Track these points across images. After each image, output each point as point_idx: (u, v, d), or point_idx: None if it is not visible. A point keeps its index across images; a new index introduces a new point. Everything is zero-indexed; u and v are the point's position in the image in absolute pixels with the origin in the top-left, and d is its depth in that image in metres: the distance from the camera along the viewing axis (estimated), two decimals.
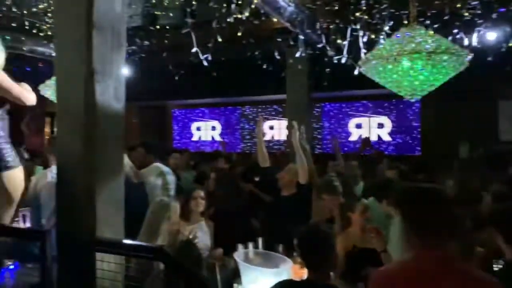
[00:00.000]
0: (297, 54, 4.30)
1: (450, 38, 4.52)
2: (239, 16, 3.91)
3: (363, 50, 4.22)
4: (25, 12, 5.52)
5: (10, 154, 2.70)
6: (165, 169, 4.15)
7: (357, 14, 4.13)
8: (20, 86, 2.66)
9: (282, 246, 3.27)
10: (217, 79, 8.82)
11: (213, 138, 12.00)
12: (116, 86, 2.43)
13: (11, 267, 2.74)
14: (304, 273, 2.79)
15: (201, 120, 12.37)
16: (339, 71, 5.56)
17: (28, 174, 4.16)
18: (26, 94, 2.73)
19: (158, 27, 5.37)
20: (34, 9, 5.57)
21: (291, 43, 4.54)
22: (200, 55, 3.86)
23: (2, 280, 2.21)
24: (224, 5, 3.84)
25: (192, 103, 12.21)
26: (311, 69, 5.94)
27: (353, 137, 9.52)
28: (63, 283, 2.25)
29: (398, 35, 3.34)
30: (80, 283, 2.19)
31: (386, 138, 9.20)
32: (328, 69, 4.75)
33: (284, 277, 2.50)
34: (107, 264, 2.21)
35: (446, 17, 4.68)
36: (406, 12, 3.99)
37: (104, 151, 2.36)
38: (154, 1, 5.31)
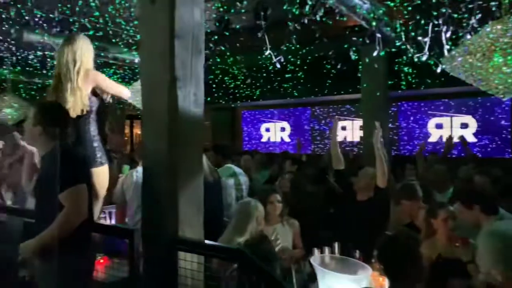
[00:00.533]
0: (375, 53, 4.13)
1: None
2: (313, 17, 3.86)
3: (446, 47, 3.96)
4: (109, 23, 5.95)
5: (100, 153, 2.96)
6: (237, 169, 4.24)
7: (440, 8, 3.86)
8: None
9: (359, 253, 3.18)
10: (287, 79, 8.84)
11: (282, 139, 12.01)
12: (196, 92, 2.51)
13: (101, 261, 2.96)
14: (383, 281, 2.69)
15: (270, 121, 12.43)
16: (419, 68, 5.26)
17: (117, 172, 4.50)
18: (122, 89, 3.03)
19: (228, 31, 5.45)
20: (118, 20, 5.99)
21: (367, 41, 4.37)
22: (273, 57, 3.87)
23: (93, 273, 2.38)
24: (296, 7, 3.81)
25: (261, 104, 12.31)
26: (388, 68, 5.70)
27: (433, 138, 8.99)
28: (148, 278, 2.37)
29: (487, 29, 3.08)
30: (163, 280, 2.29)
31: (471, 139, 8.55)
32: (407, 67, 4.51)
33: (363, 284, 2.42)
34: (189, 263, 2.29)
35: None
36: (497, 2, 3.68)
37: (185, 154, 2.45)
38: (226, 7, 5.43)
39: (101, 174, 2.99)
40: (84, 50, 2.87)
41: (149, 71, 2.51)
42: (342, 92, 8.51)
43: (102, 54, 6.16)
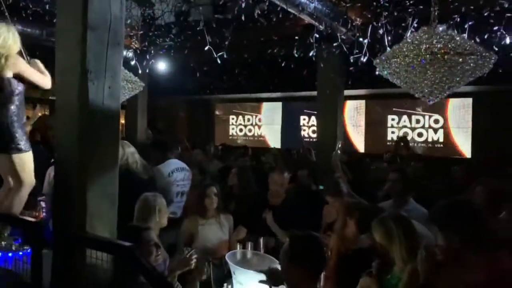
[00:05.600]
0: (311, 53, 4.17)
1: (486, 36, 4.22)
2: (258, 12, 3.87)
3: (388, 49, 4.02)
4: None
5: (22, 138, 2.89)
6: (181, 164, 4.24)
7: (382, 11, 3.91)
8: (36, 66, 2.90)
9: None
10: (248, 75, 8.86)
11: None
12: (111, 85, 2.49)
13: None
14: None
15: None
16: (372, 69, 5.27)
17: None
18: (44, 81, 2.94)
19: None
20: None
21: (311, 40, 4.40)
22: (214, 53, 3.87)
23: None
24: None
25: (233, 98, 12.34)
26: (343, 67, 5.75)
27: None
28: (52, 272, 2.37)
29: (414, 35, 3.16)
30: (66, 274, 2.30)
31: None
32: (351, 68, 4.56)
33: None
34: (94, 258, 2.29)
35: (485, 14, 4.34)
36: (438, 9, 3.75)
37: (97, 148, 2.44)
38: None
39: (22, 161, 2.92)
40: (7, 38, 2.81)
41: (61, 63, 2.48)
42: (305, 89, 8.57)
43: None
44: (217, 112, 13.18)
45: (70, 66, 2.42)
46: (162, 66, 7.86)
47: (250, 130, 12.36)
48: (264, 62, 8.08)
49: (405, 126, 9.46)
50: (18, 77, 2.90)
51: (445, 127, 9.09)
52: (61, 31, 2.51)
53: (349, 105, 10.01)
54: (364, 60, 4.08)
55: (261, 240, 3.23)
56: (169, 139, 6.08)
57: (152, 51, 7.06)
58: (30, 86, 2.98)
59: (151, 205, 2.89)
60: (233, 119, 12.75)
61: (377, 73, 3.69)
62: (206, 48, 3.75)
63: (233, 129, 12.77)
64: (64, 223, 2.41)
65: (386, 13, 3.88)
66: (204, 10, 5.65)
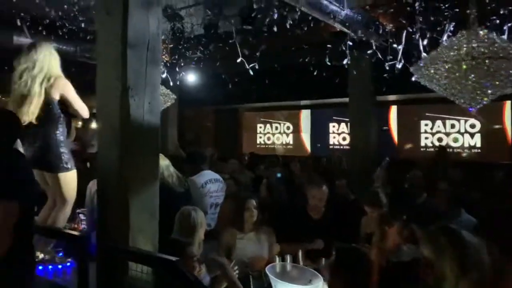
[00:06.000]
0: (345, 61, 4.12)
1: None
2: (289, 22, 3.86)
3: (424, 54, 3.93)
4: None
5: (69, 158, 2.99)
6: (215, 176, 4.24)
7: (417, 16, 3.83)
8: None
9: (325, 260, 3.18)
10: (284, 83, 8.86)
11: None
12: (151, 101, 2.53)
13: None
14: None
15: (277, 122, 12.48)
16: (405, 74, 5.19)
17: None
18: (84, 107, 3.05)
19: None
20: None
21: (343, 48, 4.36)
22: (246, 64, 3.88)
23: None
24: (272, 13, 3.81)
25: (260, 107, 12.35)
26: (374, 73, 5.67)
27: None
28: (98, 285, 2.41)
29: (454, 39, 3.06)
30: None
31: None
32: (386, 74, 4.46)
33: None
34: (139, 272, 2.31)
35: None
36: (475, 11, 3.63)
37: (138, 162, 2.48)
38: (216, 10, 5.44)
39: (67, 179, 3.02)
40: (47, 57, 2.91)
41: (102, 80, 2.55)
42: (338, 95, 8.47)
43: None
44: (244, 121, 13.20)
45: (111, 83, 2.47)
46: (191, 77, 7.97)
47: (278, 139, 12.31)
48: (292, 70, 8.06)
49: (439, 132, 9.15)
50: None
51: (497, 129, 8.55)
52: (101, 49, 2.57)
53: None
54: (399, 66, 4.00)
55: (300, 253, 3.19)
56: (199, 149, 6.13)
57: (182, 64, 7.17)
58: None
59: (194, 220, 2.86)
60: (260, 127, 12.73)
61: (413, 79, 3.61)
62: (239, 60, 3.76)
63: (260, 137, 12.75)
64: (108, 236, 2.46)
65: (421, 17, 3.78)
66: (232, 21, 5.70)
